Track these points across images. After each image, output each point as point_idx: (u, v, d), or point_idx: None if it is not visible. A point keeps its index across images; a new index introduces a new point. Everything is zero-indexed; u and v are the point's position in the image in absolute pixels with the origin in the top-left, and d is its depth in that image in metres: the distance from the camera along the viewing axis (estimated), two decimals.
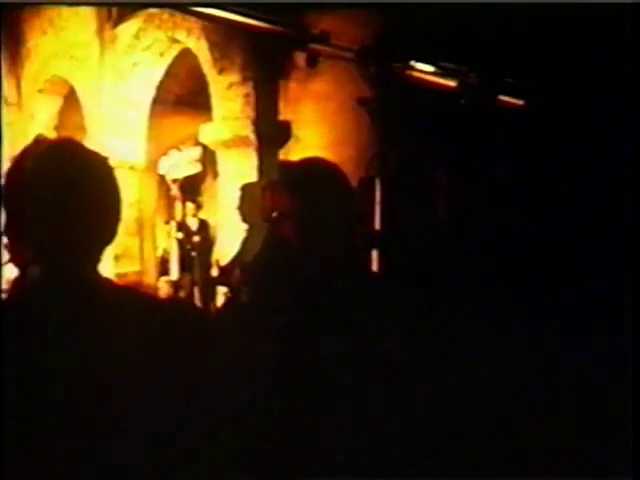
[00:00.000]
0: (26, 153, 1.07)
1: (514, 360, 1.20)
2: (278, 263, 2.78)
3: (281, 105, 5.13)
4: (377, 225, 3.13)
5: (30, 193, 1.03)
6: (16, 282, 1.09)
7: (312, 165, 2.52)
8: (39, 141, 1.10)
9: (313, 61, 3.44)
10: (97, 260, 1.09)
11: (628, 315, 1.64)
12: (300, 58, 4.21)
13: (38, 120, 8.73)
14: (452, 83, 2.66)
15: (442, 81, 2.72)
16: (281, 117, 5.18)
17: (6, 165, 1.11)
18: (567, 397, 1.23)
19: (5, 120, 8.90)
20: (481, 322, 1.46)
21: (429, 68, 2.87)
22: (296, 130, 5.06)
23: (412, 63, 2.88)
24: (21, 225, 1.05)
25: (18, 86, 8.68)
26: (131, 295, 1.18)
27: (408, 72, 2.81)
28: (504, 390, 1.14)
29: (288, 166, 3.15)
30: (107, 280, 1.11)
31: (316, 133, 4.81)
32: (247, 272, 3.91)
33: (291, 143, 5.09)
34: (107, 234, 1.10)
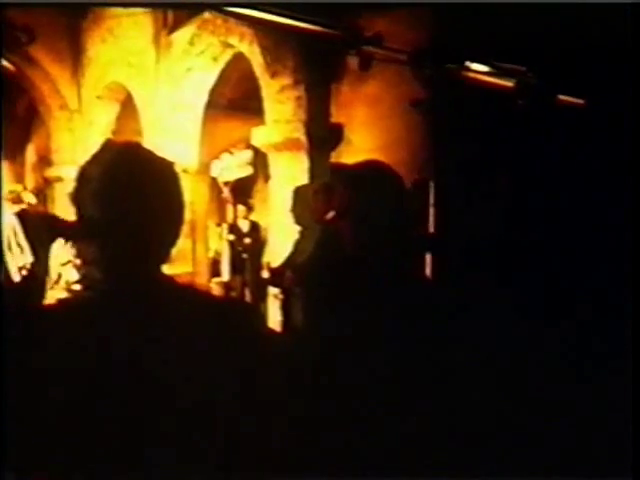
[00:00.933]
0: (96, 158, 1.11)
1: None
2: (331, 264, 2.78)
3: (333, 108, 5.13)
4: (431, 228, 3.10)
5: (100, 196, 1.06)
6: (81, 281, 1.12)
7: (368, 167, 2.51)
8: (108, 146, 1.13)
9: (366, 64, 3.43)
10: (162, 260, 1.12)
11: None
12: (353, 61, 4.21)
13: (97, 125, 9.02)
14: (509, 83, 2.61)
15: (499, 81, 2.67)
16: (333, 120, 5.19)
17: (78, 169, 1.15)
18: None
19: (67, 126, 9.25)
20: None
21: (485, 68, 2.82)
22: (348, 133, 5.06)
23: (467, 64, 2.84)
24: (91, 226, 1.08)
25: (79, 93, 8.98)
26: (193, 294, 1.20)
27: (463, 73, 2.78)
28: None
29: (344, 168, 3.15)
30: (171, 279, 1.14)
31: (368, 136, 4.80)
32: (299, 274, 3.93)
33: (343, 146, 5.09)
34: (172, 235, 1.13)
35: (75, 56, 8.73)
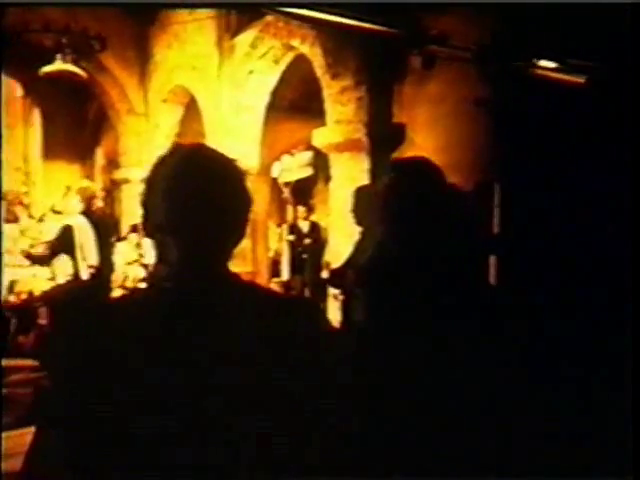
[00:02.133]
0: (164, 160, 1.14)
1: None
2: (392, 266, 2.77)
3: (395, 108, 5.11)
4: (495, 229, 3.05)
5: (168, 196, 1.09)
6: (148, 279, 1.15)
7: (419, 167, 2.49)
8: (176, 148, 1.17)
9: (430, 63, 3.42)
10: (228, 258, 1.15)
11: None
12: (415, 60, 4.19)
13: (162, 128, 9.29)
14: (580, 79, 2.54)
15: (568, 78, 2.60)
16: (395, 120, 5.16)
17: (147, 171, 1.18)
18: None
19: (134, 129, 9.57)
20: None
21: (553, 65, 2.75)
22: (410, 133, 5.03)
23: (535, 60, 2.78)
24: (159, 226, 1.11)
25: (145, 98, 9.28)
26: (258, 291, 1.22)
27: (531, 70, 2.72)
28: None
29: (397, 168, 3.14)
30: (237, 276, 1.16)
31: (430, 136, 4.75)
32: (360, 274, 3.92)
33: (405, 146, 5.06)
34: (238, 233, 1.15)
35: (142, 62, 9.03)
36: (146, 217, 1.14)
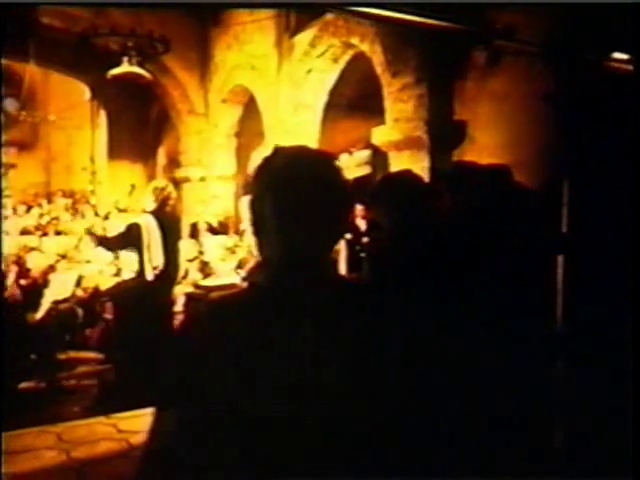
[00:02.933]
0: (268, 162, 1.17)
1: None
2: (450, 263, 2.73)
3: (456, 105, 5.03)
4: (564, 228, 2.95)
5: (273, 197, 1.12)
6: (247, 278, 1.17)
7: (484, 168, 2.44)
8: (278, 150, 1.19)
9: (496, 58, 3.34)
10: (331, 254, 1.17)
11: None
12: (479, 56, 4.11)
13: (222, 128, 9.47)
14: None
15: None
16: (456, 117, 5.08)
17: (250, 175, 1.20)
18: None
19: (194, 129, 9.78)
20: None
21: (626, 57, 2.65)
22: (471, 130, 4.94)
23: (608, 53, 2.68)
24: (264, 226, 1.14)
25: (206, 98, 9.47)
26: (364, 287, 1.25)
27: (604, 63, 2.63)
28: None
29: (463, 168, 3.09)
30: (338, 275, 1.18)
31: (493, 133, 4.66)
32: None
33: (466, 144, 4.97)
34: (340, 230, 1.17)
35: (203, 63, 9.22)
36: (252, 218, 1.16)
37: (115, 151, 12.50)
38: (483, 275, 2.20)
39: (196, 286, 6.37)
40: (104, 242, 6.01)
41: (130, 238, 5.29)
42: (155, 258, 5.27)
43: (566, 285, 2.69)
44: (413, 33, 4.68)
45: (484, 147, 4.65)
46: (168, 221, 5.36)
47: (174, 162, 10.84)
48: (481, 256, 2.28)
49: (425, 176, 5.24)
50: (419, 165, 5.31)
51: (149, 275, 5.29)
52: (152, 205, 5.27)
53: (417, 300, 1.16)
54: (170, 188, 5.38)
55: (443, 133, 5.10)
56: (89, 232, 6.92)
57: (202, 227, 8.64)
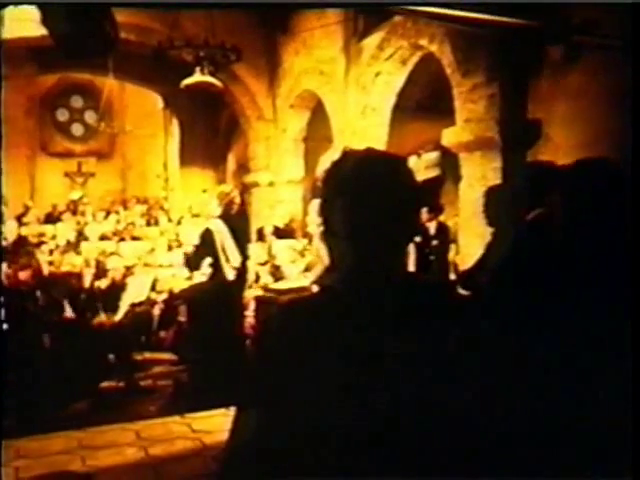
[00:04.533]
0: (337, 164, 1.17)
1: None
2: (529, 267, 2.64)
3: (530, 104, 4.89)
4: None
5: (345, 198, 1.11)
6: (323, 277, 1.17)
7: (582, 165, 2.34)
8: (347, 154, 1.19)
9: (574, 54, 3.22)
10: (403, 256, 1.17)
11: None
12: (555, 52, 3.98)
13: (289, 133, 9.59)
14: None
15: None
16: (530, 116, 4.94)
17: (318, 179, 1.21)
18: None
19: (263, 135, 9.95)
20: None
21: None
22: (547, 129, 4.79)
23: None
24: (336, 231, 1.14)
25: (274, 104, 9.62)
26: (431, 284, 1.23)
27: None
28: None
29: (553, 167, 2.98)
30: (415, 274, 1.17)
31: (569, 131, 4.50)
32: (493, 276, 3.79)
33: (541, 143, 4.82)
34: (411, 232, 1.17)
35: (272, 70, 9.37)
36: (322, 222, 1.16)
37: (187, 158, 12.88)
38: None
39: (266, 289, 6.46)
40: (190, 262, 6.25)
41: (206, 245, 5.47)
42: (233, 258, 5.43)
43: None
44: (484, 32, 4.59)
45: (560, 146, 4.50)
46: (236, 223, 5.50)
47: (243, 167, 11.06)
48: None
49: (497, 177, 5.12)
50: (491, 166, 5.20)
51: (230, 275, 5.46)
52: (218, 210, 5.44)
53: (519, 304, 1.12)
54: (235, 192, 5.55)
55: (516, 133, 4.96)
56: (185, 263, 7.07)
57: (268, 231, 8.77)
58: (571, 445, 1.09)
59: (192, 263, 6.18)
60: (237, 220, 5.58)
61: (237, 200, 5.55)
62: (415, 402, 1.04)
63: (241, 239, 5.56)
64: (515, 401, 1.04)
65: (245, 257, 5.61)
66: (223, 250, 5.43)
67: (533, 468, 1.05)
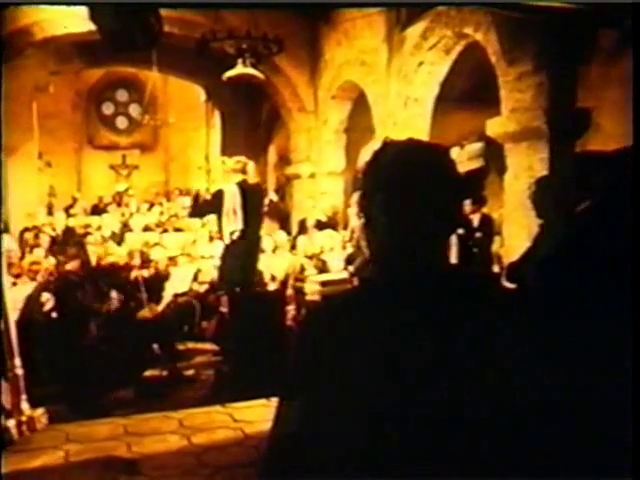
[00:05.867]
0: (378, 155, 1.16)
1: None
2: (578, 260, 2.57)
3: (579, 92, 4.74)
4: None
5: (386, 189, 1.10)
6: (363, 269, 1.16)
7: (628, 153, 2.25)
8: (387, 144, 1.17)
9: (628, 40, 3.10)
10: (445, 246, 1.14)
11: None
12: (606, 38, 3.84)
13: (330, 124, 9.55)
14: None
15: None
16: (579, 105, 4.79)
17: (359, 170, 1.20)
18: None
19: (304, 127, 9.94)
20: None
21: None
22: (597, 118, 4.63)
23: None
24: (377, 220, 1.12)
25: (315, 95, 9.59)
26: (474, 277, 1.20)
27: None
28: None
29: (602, 156, 2.88)
30: (456, 266, 1.15)
31: (622, 119, 4.33)
32: (540, 269, 3.71)
33: (590, 133, 4.67)
34: (453, 223, 1.14)
35: (313, 61, 9.34)
36: (362, 213, 1.15)
37: (228, 150, 12.96)
38: None
39: (309, 281, 6.46)
40: (194, 211, 6.98)
41: (214, 203, 5.73)
42: (233, 224, 5.60)
43: None
44: (532, 19, 4.46)
45: (610, 135, 4.34)
46: (252, 191, 5.64)
47: (284, 159, 11.08)
48: None
49: (544, 168, 4.99)
50: (537, 157, 5.07)
51: (226, 239, 5.67)
52: (236, 177, 5.66)
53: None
54: (245, 160, 5.76)
55: (565, 122, 4.82)
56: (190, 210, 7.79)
57: (310, 223, 8.77)
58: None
59: (195, 212, 7.04)
60: (250, 187, 5.72)
61: (249, 167, 5.70)
62: (458, 394, 1.02)
63: (251, 211, 5.68)
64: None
65: (254, 226, 5.74)
66: (227, 214, 5.61)
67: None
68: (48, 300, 5.60)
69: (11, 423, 3.91)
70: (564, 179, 3.56)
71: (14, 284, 5.50)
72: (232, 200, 5.57)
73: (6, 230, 7.61)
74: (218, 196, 5.76)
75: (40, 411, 4.14)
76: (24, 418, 4.00)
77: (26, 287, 5.71)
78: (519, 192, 4.97)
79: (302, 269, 6.95)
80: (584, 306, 2.02)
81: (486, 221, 6.71)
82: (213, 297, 7.09)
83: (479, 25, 5.72)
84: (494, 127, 5.55)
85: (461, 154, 7.54)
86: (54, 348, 5.23)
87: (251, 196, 5.67)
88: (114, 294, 5.68)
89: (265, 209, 6.55)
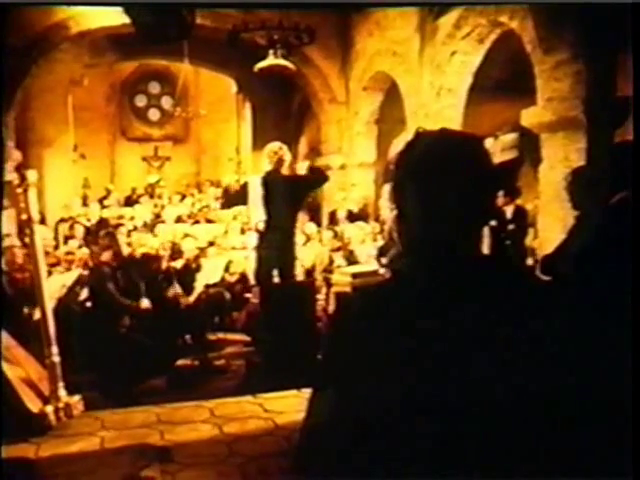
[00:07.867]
0: (410, 146, 1.13)
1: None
2: (614, 252, 2.50)
3: (619, 80, 4.61)
4: None
5: (418, 180, 1.08)
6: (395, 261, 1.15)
7: None
8: (420, 134, 1.15)
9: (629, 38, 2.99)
10: (478, 239, 1.11)
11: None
12: None
13: (362, 115, 9.50)
14: None
15: None
16: (619, 94, 4.66)
17: (391, 161, 1.18)
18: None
19: (335, 118, 9.91)
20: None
21: None
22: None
23: None
24: (410, 211, 1.10)
25: (346, 86, 9.55)
26: (509, 270, 1.17)
27: None
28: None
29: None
30: (488, 258, 1.13)
31: None
32: (578, 262, 3.63)
33: (630, 122, 4.54)
34: (487, 214, 1.11)
35: (344, 52, 9.29)
36: (395, 205, 1.13)
37: (259, 142, 13.00)
38: None
39: (338, 272, 6.45)
40: (225, 203, 7.43)
41: (240, 196, 5.81)
42: (254, 216, 5.64)
43: None
44: (569, 5, 4.35)
45: None
46: (277, 182, 5.60)
47: (315, 150, 11.07)
48: None
49: (581, 159, 4.88)
50: (574, 147, 4.96)
51: (254, 229, 5.81)
52: (267, 167, 5.54)
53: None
54: (283, 150, 5.64)
55: (603, 112, 4.70)
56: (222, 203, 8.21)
57: (341, 215, 8.74)
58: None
59: (225, 204, 7.61)
60: (280, 178, 5.65)
61: (286, 157, 5.63)
62: (490, 387, 1.00)
63: (277, 201, 5.62)
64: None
65: (277, 217, 5.72)
66: (253, 204, 5.65)
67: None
68: (82, 290, 5.71)
69: (49, 409, 3.99)
70: (601, 170, 3.47)
71: (50, 273, 5.60)
72: (255, 191, 5.60)
73: (42, 222, 7.76)
74: (244, 189, 5.80)
75: (77, 398, 4.21)
76: (61, 405, 4.08)
77: (63, 277, 5.82)
78: (554, 183, 4.88)
79: (331, 261, 6.94)
80: (619, 299, 1.98)
81: (520, 213, 6.61)
82: (243, 287, 7.14)
83: (515, 13, 5.60)
84: (529, 117, 5.44)
85: (495, 145, 7.43)
86: (89, 337, 5.32)
87: (276, 187, 5.63)
88: (145, 302, 5.69)
89: (304, 201, 6.44)
